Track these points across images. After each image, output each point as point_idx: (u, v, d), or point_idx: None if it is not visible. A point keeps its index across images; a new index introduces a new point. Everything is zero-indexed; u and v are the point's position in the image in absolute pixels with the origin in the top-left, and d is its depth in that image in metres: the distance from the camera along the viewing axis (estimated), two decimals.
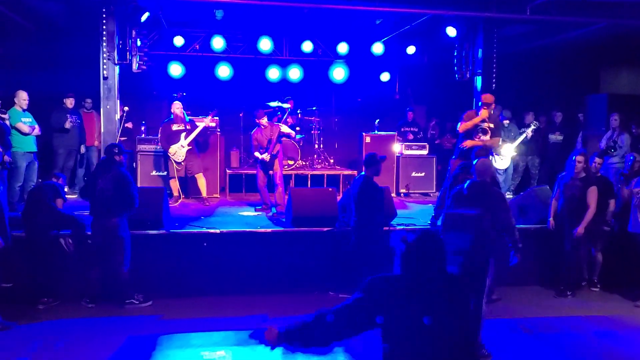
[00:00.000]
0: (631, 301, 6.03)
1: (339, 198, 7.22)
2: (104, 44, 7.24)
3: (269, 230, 6.51)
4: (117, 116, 7.54)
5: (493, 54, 8.26)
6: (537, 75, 10.39)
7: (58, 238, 5.79)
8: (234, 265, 6.16)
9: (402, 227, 6.63)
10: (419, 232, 2.28)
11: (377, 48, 9.87)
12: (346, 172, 9.73)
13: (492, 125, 6.80)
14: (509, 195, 8.41)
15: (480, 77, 8.31)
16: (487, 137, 6.74)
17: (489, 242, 4.33)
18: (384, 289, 2.23)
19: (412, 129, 10.22)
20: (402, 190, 9.50)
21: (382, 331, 2.23)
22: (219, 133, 9.18)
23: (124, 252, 5.54)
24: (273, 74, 9.97)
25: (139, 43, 7.99)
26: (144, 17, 7.72)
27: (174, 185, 8.25)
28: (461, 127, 6.88)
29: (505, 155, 8.45)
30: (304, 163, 9.94)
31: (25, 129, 7.33)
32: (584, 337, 5.14)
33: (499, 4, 7.46)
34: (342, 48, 9.87)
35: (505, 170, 8.61)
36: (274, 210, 7.70)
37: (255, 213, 7.74)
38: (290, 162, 9.57)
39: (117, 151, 5.69)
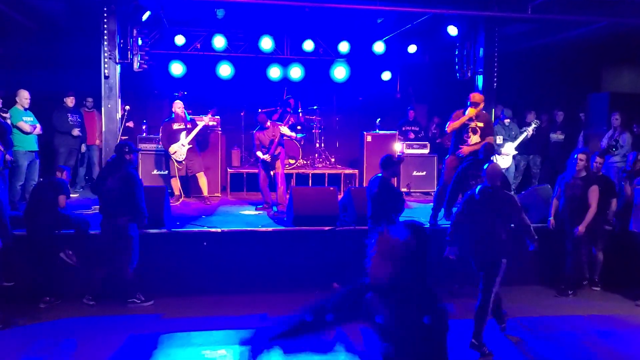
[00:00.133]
0: (632, 300, 6.03)
1: (340, 197, 7.22)
2: (105, 43, 7.24)
3: (270, 229, 6.52)
4: (119, 115, 7.54)
5: (494, 53, 8.25)
6: (538, 74, 10.38)
7: (59, 239, 5.76)
8: (235, 265, 6.17)
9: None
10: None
11: (379, 47, 9.86)
12: (347, 171, 9.73)
13: (481, 125, 6.68)
14: None
15: (481, 76, 8.30)
16: (477, 137, 6.65)
17: (499, 243, 4.59)
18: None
19: (413, 128, 10.22)
20: (404, 189, 9.47)
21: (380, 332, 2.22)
22: (220, 132, 9.18)
23: (132, 252, 5.56)
24: (274, 73, 9.97)
25: (140, 42, 8.00)
26: (145, 16, 7.72)
27: (175, 184, 8.26)
28: (449, 127, 6.83)
29: (507, 154, 8.45)
30: (305, 162, 9.94)
31: (27, 128, 7.34)
32: (585, 336, 5.14)
33: (500, 2, 7.44)
34: (344, 47, 9.86)
35: (507, 169, 8.60)
36: (275, 209, 7.71)
37: (257, 212, 7.75)
38: (292, 161, 9.58)
39: (127, 150, 5.70)
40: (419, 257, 2.09)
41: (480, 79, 8.35)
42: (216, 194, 8.94)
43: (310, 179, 9.48)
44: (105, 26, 7.22)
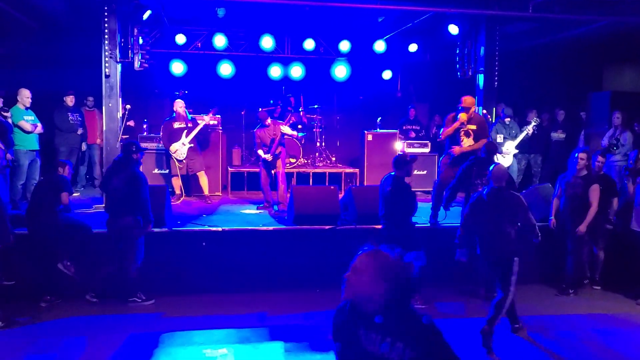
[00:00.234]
0: (633, 300, 6.03)
1: (340, 196, 7.22)
2: (106, 42, 7.25)
3: (271, 228, 6.52)
4: (119, 114, 7.54)
5: (495, 52, 8.24)
6: (539, 73, 10.37)
7: (60, 240, 5.72)
8: (236, 264, 6.17)
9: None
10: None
11: (379, 46, 9.86)
12: (348, 170, 9.73)
13: (473, 127, 6.71)
14: None
15: (482, 75, 8.30)
16: (470, 140, 6.68)
17: (510, 242, 4.75)
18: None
19: (414, 127, 10.21)
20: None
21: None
22: (220, 131, 9.18)
23: (136, 251, 5.56)
24: (275, 71, 9.97)
25: (140, 41, 8.00)
26: (145, 15, 7.72)
27: (176, 183, 8.26)
28: (443, 134, 6.92)
29: (507, 153, 8.44)
30: (305, 161, 9.94)
31: (28, 127, 7.34)
32: (585, 335, 5.14)
33: (501, 1, 7.43)
34: (344, 46, 9.86)
35: (508, 168, 8.59)
36: (275, 208, 7.71)
37: (257, 211, 7.75)
38: (292, 160, 9.58)
39: (134, 149, 5.69)
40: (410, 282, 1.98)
41: (481, 78, 8.34)
42: (217, 193, 8.95)
43: (311, 178, 9.48)
44: (106, 25, 7.22)
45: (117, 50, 7.32)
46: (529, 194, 7.20)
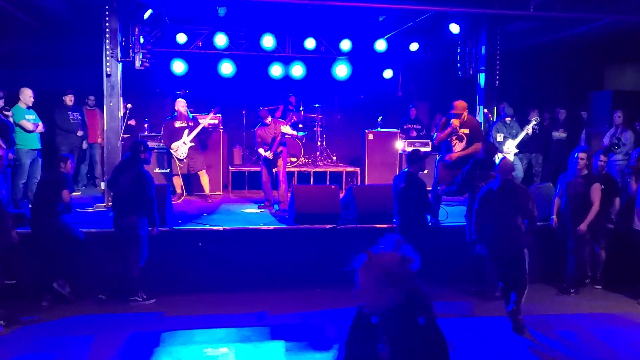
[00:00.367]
0: (634, 299, 6.02)
1: (341, 195, 7.22)
2: (107, 41, 7.25)
3: (271, 227, 6.53)
4: (120, 113, 7.55)
5: (496, 51, 8.23)
6: (540, 72, 10.35)
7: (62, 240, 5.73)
8: (236, 263, 6.17)
9: None
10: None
11: (380, 45, 9.84)
12: (349, 169, 9.73)
13: (466, 131, 6.73)
14: None
15: (483, 74, 8.29)
16: (463, 144, 6.73)
17: (520, 234, 4.97)
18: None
19: (415, 126, 10.21)
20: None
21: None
22: (221, 130, 9.18)
23: (139, 251, 5.56)
24: (276, 71, 9.96)
25: (141, 40, 8.00)
26: (146, 15, 7.72)
27: (177, 182, 8.27)
28: (436, 140, 7.01)
29: (508, 152, 8.43)
30: (306, 160, 9.94)
31: (29, 126, 7.35)
32: (587, 334, 5.14)
33: (502, 0, 7.41)
34: (345, 45, 9.85)
35: None
36: (276, 207, 7.71)
37: (258, 210, 7.76)
38: (293, 159, 9.58)
39: (142, 148, 5.71)
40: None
41: (482, 77, 8.33)
42: (218, 192, 8.95)
43: (311, 177, 9.48)
44: (107, 24, 7.22)
45: (118, 50, 7.32)
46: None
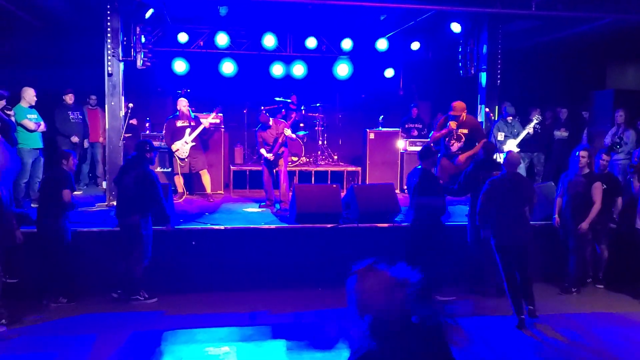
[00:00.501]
0: (636, 299, 6.01)
1: (342, 194, 7.22)
2: (109, 40, 7.25)
3: (273, 226, 6.53)
4: (122, 113, 7.56)
5: (498, 50, 8.22)
6: (542, 71, 10.34)
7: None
8: (238, 262, 6.18)
9: (406, 223, 6.63)
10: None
11: (382, 44, 9.84)
12: (350, 169, 9.73)
13: (465, 131, 6.78)
14: None
15: (485, 73, 8.29)
16: (461, 144, 6.81)
17: (527, 224, 5.24)
18: None
19: (416, 125, 10.20)
20: (406, 187, 9.48)
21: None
22: (223, 129, 9.19)
23: (142, 250, 5.57)
24: (277, 70, 9.96)
25: (143, 39, 8.01)
26: (148, 14, 7.73)
27: (178, 181, 8.27)
28: (432, 138, 7.07)
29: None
30: (307, 159, 9.93)
31: (31, 125, 7.36)
32: (589, 333, 5.13)
33: None
34: (346, 44, 9.84)
35: None
36: (277, 206, 7.71)
37: (260, 209, 7.76)
38: (294, 159, 9.57)
39: (148, 148, 5.71)
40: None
41: (483, 76, 8.33)
42: (219, 192, 8.96)
43: (313, 176, 9.48)
44: (109, 24, 7.23)
45: (120, 49, 7.33)
46: None
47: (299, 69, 10.00)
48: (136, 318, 5.35)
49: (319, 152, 10.05)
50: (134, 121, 8.47)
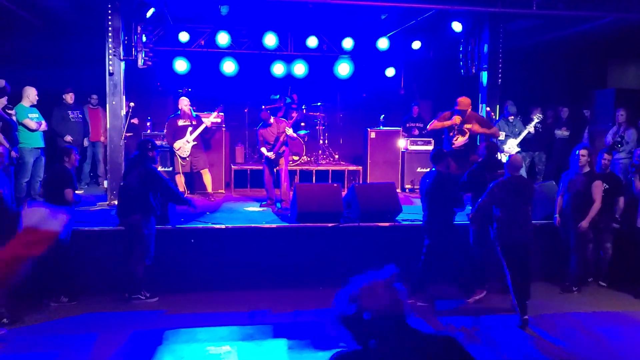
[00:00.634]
0: (638, 298, 6.01)
1: (343, 194, 7.22)
2: (110, 40, 7.26)
3: (274, 225, 6.53)
4: (123, 112, 7.56)
5: (499, 49, 8.20)
6: (543, 70, 10.32)
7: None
8: (239, 261, 6.18)
9: (407, 222, 6.64)
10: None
11: (382, 43, 9.84)
12: (351, 168, 9.73)
13: (469, 126, 6.84)
14: None
15: (486, 72, 8.27)
16: (465, 138, 6.82)
17: (530, 223, 5.30)
18: None
19: (417, 125, 10.20)
20: (407, 186, 9.49)
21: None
22: (224, 129, 9.19)
23: (144, 249, 5.57)
24: (278, 69, 9.96)
25: (144, 39, 8.00)
26: (149, 13, 7.73)
27: (180, 180, 8.28)
28: (430, 126, 7.02)
29: (510, 151, 8.41)
30: (308, 159, 9.94)
31: (33, 125, 7.37)
32: (590, 332, 5.13)
33: None
34: (347, 43, 9.84)
35: None
36: (278, 205, 7.72)
37: (261, 208, 7.76)
38: (295, 158, 9.58)
39: (150, 147, 5.72)
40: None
41: (484, 76, 8.32)
42: (220, 191, 8.96)
43: (314, 175, 9.49)
44: (110, 23, 7.23)
45: (121, 48, 7.33)
46: None
47: (299, 68, 10.00)
48: (137, 317, 5.35)
49: (320, 151, 10.05)
50: (135, 120, 8.48)
